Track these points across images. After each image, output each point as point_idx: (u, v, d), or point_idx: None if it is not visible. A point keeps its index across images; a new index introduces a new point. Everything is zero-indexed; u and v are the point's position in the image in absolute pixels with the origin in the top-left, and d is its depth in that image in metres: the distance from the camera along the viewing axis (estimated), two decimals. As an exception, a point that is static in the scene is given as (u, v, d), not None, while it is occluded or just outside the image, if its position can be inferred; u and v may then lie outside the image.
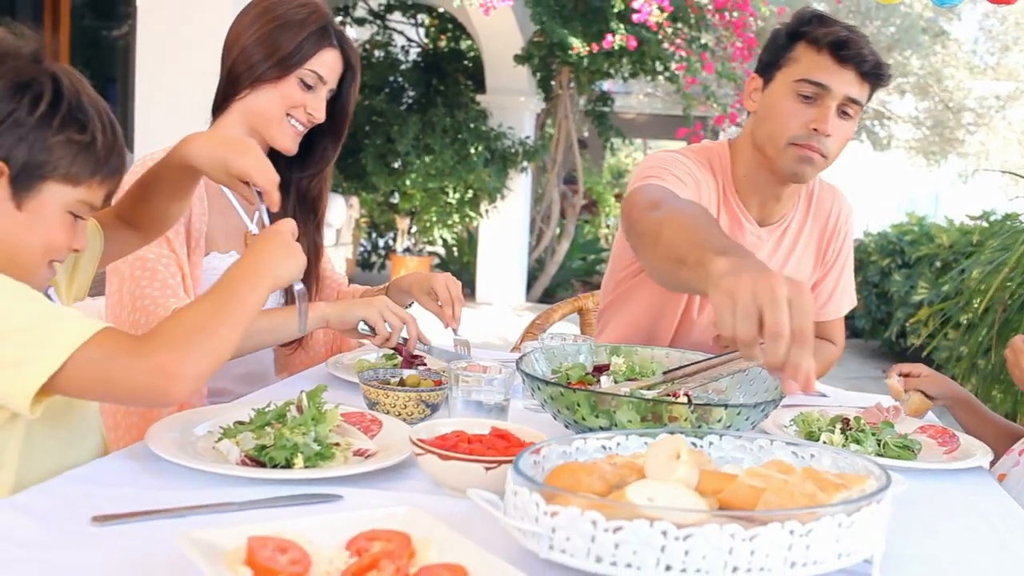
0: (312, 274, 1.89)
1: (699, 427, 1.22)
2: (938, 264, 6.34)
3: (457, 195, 8.89)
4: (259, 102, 1.74)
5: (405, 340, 1.65)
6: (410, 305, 1.85)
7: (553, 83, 8.55)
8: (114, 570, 0.89)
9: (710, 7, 7.52)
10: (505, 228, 9.05)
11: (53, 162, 1.15)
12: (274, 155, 1.85)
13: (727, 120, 8.44)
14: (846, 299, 2.08)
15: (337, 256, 8.19)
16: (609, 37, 7.04)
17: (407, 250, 9.57)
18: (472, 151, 8.53)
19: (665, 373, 1.43)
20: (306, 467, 1.14)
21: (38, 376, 1.05)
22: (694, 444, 1.16)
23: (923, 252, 6.48)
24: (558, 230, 9.44)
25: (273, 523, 0.90)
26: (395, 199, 9.20)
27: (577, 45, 6.89)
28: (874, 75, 1.76)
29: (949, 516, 1.24)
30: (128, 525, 0.98)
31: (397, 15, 10.25)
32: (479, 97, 9.18)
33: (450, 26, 9.96)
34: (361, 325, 1.57)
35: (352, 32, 10.75)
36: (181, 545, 0.84)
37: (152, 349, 1.08)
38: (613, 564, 0.86)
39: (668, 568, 0.86)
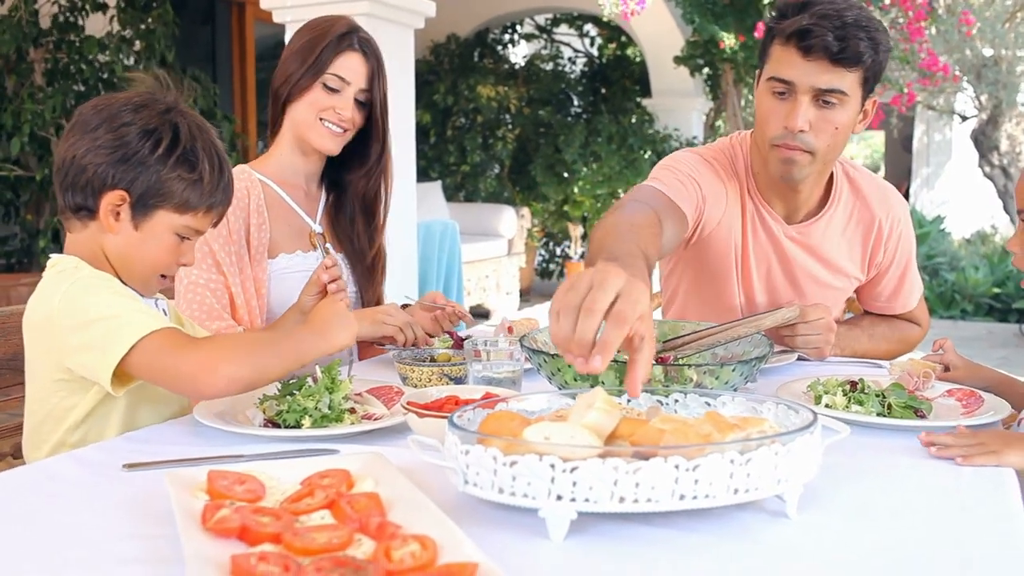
0: (375, 270, 2.08)
1: (667, 386, 1.31)
2: None
3: (627, 199, 8.97)
4: (296, 112, 1.95)
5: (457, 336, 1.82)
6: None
7: (722, 82, 8.50)
8: (130, 501, 1.09)
9: (876, -12, 7.27)
10: (677, 229, 9.05)
11: (166, 193, 1.43)
12: (331, 162, 2.05)
13: (904, 99, 8.11)
14: (914, 293, 2.09)
15: (510, 266, 8.47)
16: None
17: (581, 256, 9.73)
18: (638, 155, 8.61)
19: (665, 342, 1.51)
20: (313, 427, 1.32)
21: (113, 357, 1.31)
22: (660, 402, 1.26)
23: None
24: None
25: (246, 464, 1.09)
26: (566, 207, 9.40)
27: (729, 40, 6.85)
28: (849, 59, 1.67)
29: (917, 469, 1.25)
30: (152, 471, 1.18)
31: (564, 28, 10.50)
32: (645, 101, 9.25)
33: (617, 34, 10.09)
34: None
35: (523, 47, 11.09)
36: (165, 479, 1.04)
37: (204, 346, 1.32)
38: (512, 494, 0.98)
39: (559, 498, 0.97)
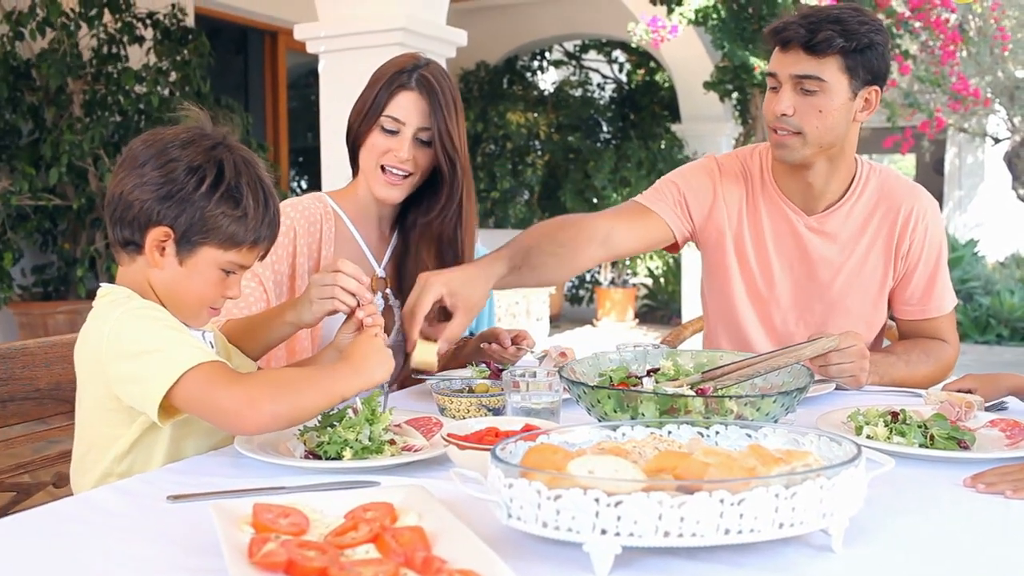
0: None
1: (708, 418, 1.30)
2: None
3: (657, 225, 8.98)
4: (362, 159, 1.93)
5: (500, 368, 1.82)
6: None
7: (751, 107, 8.49)
8: (174, 533, 1.10)
9: (905, 12, 7.24)
10: (707, 254, 9.03)
11: (210, 230, 1.44)
12: (407, 205, 2.02)
13: (932, 125, 8.05)
14: (947, 297, 2.08)
15: (540, 293, 8.48)
16: (795, 53, 6.93)
17: (611, 282, 9.73)
18: (668, 180, 8.61)
19: (704, 373, 1.51)
20: (354, 459, 1.32)
21: (160, 389, 1.32)
22: (700, 434, 1.25)
23: None
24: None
25: (289, 496, 1.09)
26: (596, 233, 9.40)
27: (759, 65, 6.85)
28: (818, 46, 1.83)
29: (962, 501, 1.24)
30: (196, 503, 1.19)
31: (592, 54, 10.55)
32: (674, 127, 9.26)
33: (645, 59, 10.12)
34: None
35: (552, 74, 11.15)
36: (211, 511, 1.05)
37: (247, 382, 1.32)
38: (556, 528, 0.98)
39: (604, 532, 0.96)
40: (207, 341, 1.57)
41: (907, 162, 18.38)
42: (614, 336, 8.91)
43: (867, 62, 1.88)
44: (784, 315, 2.10)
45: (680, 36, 7.50)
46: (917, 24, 7.50)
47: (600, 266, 9.83)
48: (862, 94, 1.92)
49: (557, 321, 9.68)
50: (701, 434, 1.25)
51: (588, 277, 10.34)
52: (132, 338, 1.36)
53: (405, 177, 1.93)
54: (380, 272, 2.02)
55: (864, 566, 1.01)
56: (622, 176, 8.73)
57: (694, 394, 1.37)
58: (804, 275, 2.07)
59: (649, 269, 9.93)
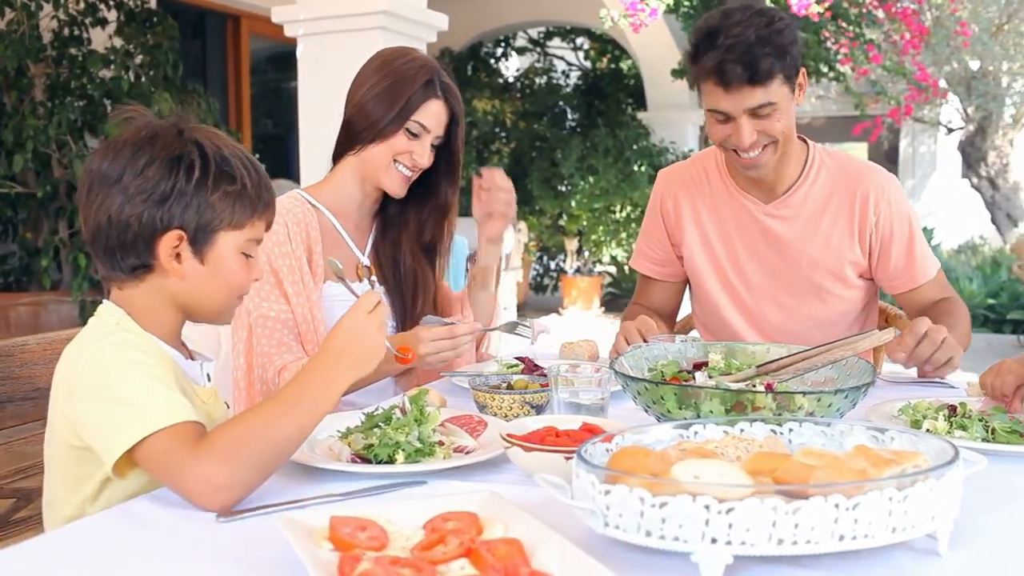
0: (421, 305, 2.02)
1: (779, 415, 1.25)
2: None
3: (623, 213, 8.96)
4: (371, 153, 1.90)
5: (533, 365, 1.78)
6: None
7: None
8: (230, 549, 1.02)
9: (872, 2, 7.29)
10: (673, 242, 9.03)
11: (218, 216, 1.31)
12: (396, 201, 2.00)
13: (902, 113, 8.13)
14: (929, 261, 2.09)
15: (508, 281, 8.41)
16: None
17: (577, 271, 9.70)
18: (635, 168, 8.59)
19: (759, 367, 1.46)
20: (407, 462, 1.25)
21: (121, 445, 1.18)
22: (773, 432, 1.20)
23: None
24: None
25: (362, 507, 1.02)
26: (562, 221, 9.37)
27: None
28: (763, 76, 1.83)
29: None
30: (247, 521, 1.11)
31: (556, 41, 10.49)
32: (640, 114, 9.24)
33: (609, 47, 10.08)
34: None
35: (516, 61, 11.07)
36: (280, 525, 0.97)
37: (205, 456, 1.15)
38: (662, 538, 0.92)
39: (714, 540, 0.91)
40: (204, 373, 1.42)
41: (860, 151, 18.60)
42: (581, 324, 8.88)
43: (794, 60, 1.91)
44: (757, 299, 2.13)
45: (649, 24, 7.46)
46: (880, 14, 7.56)
47: (565, 254, 9.79)
48: (796, 83, 1.95)
49: (523, 310, 9.62)
50: (774, 431, 1.19)
51: (553, 265, 10.30)
52: (102, 382, 1.23)
53: (412, 175, 1.95)
54: (365, 261, 2.00)
55: (975, 568, 0.97)
56: (589, 164, 8.67)
57: (763, 390, 1.32)
58: (771, 258, 2.10)
59: (613, 257, 9.92)
